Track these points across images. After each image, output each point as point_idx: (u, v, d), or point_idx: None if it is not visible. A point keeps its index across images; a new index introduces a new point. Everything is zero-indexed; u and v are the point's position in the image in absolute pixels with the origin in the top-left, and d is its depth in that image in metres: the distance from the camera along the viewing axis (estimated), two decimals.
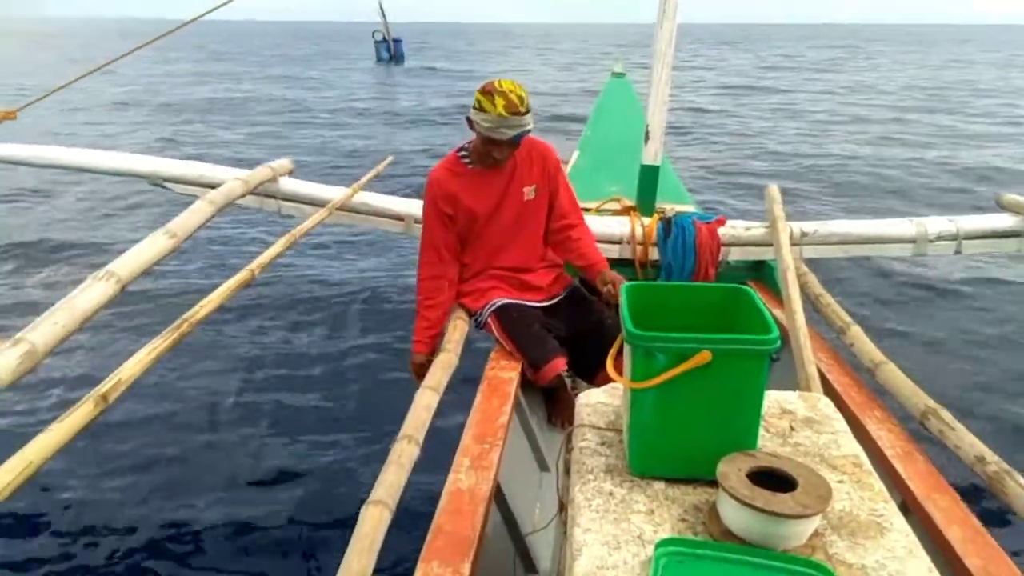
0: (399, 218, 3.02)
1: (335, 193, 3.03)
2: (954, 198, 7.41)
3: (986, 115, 13.72)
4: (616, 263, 2.89)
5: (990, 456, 1.64)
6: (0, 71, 22.30)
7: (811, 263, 2.88)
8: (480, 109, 2.11)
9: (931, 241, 2.92)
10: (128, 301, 4.21)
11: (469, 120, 2.18)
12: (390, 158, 3.74)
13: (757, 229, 2.94)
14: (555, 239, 2.49)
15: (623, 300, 1.30)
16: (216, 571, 2.35)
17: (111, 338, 3.95)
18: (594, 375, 2.39)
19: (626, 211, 3.11)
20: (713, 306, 1.38)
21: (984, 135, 11.39)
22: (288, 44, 51.63)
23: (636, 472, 1.26)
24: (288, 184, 3.06)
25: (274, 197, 3.05)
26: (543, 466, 2.33)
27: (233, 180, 2.69)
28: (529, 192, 2.38)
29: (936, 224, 2.93)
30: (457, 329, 2.33)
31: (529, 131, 2.18)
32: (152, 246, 1.98)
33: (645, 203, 3.09)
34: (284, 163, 3.11)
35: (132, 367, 1.49)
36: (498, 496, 1.78)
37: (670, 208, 3.12)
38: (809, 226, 2.92)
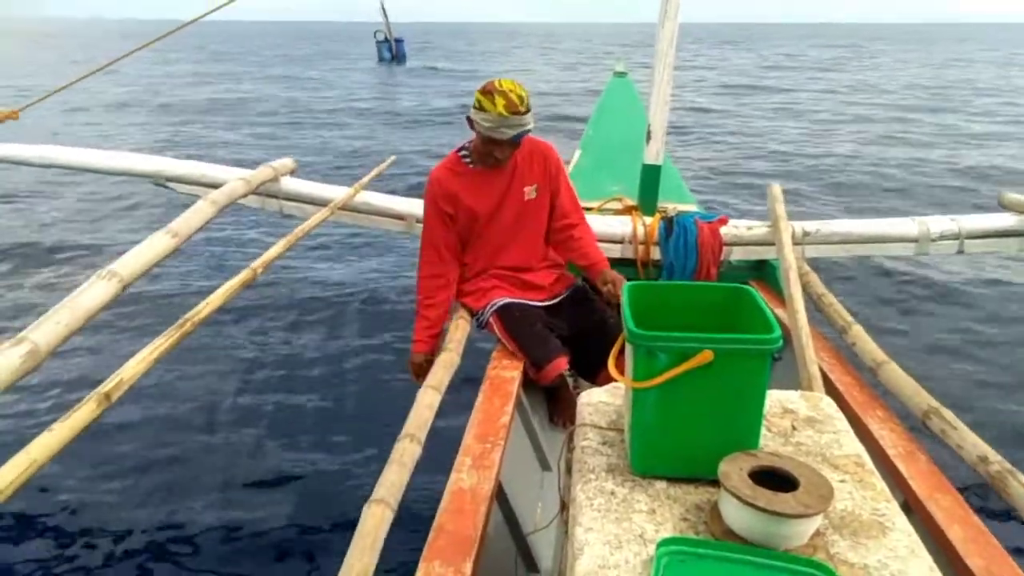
0: (401, 217, 3.02)
1: (337, 193, 3.03)
2: (956, 197, 7.41)
3: (987, 114, 13.70)
4: (618, 262, 2.89)
5: (992, 456, 1.64)
6: (1, 72, 22.32)
7: (813, 263, 2.88)
8: (480, 109, 2.12)
9: (933, 240, 2.91)
10: (130, 302, 4.21)
11: (469, 120, 2.18)
12: (392, 158, 3.75)
13: (759, 228, 2.94)
14: (556, 239, 2.49)
15: (625, 299, 1.30)
16: (216, 572, 2.34)
17: (113, 339, 3.95)
18: (596, 374, 2.39)
19: (628, 210, 3.11)
20: (715, 305, 1.38)
21: (985, 134, 11.38)
22: (289, 44, 51.66)
23: (638, 471, 1.26)
24: (290, 184, 3.07)
25: (276, 197, 3.06)
26: (545, 465, 2.33)
27: (235, 180, 2.70)
28: (530, 192, 2.38)
29: (938, 223, 2.93)
30: (459, 328, 2.33)
31: (529, 131, 2.18)
32: (154, 246, 1.99)
33: (647, 202, 3.09)
34: (286, 163, 3.12)
35: (135, 366, 1.49)
36: (500, 495, 1.78)
37: (672, 207, 3.12)
38: (811, 225, 2.92)
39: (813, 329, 2.27)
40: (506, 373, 2.19)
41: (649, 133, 2.97)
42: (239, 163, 3.49)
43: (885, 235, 2.94)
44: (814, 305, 2.55)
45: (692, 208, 3.22)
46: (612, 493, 1.21)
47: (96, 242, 5.80)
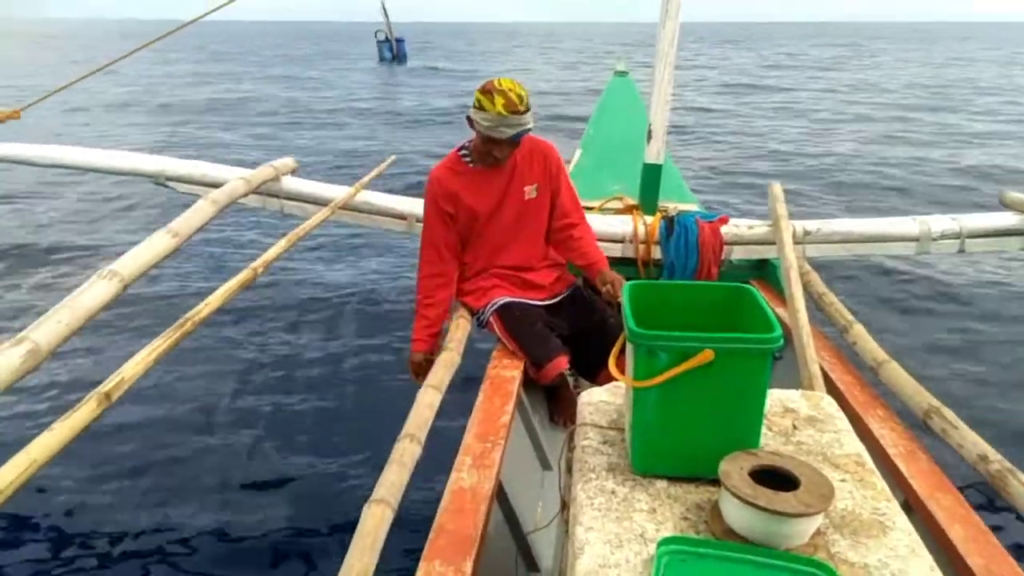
0: (401, 217, 3.02)
1: (337, 192, 3.03)
2: (957, 196, 7.40)
3: (988, 113, 13.69)
4: (619, 262, 2.89)
5: (993, 455, 1.64)
6: (1, 72, 22.33)
7: (814, 262, 2.88)
8: (480, 108, 2.12)
9: (934, 240, 2.91)
10: (130, 302, 4.21)
11: (469, 119, 2.18)
12: (392, 157, 3.75)
13: (760, 228, 2.94)
14: (556, 238, 2.49)
15: (626, 299, 1.30)
16: (216, 572, 2.34)
17: (113, 339, 3.95)
18: (596, 374, 2.39)
19: (628, 210, 3.11)
20: (716, 305, 1.38)
21: (987, 133, 11.37)
22: (289, 44, 51.66)
23: (638, 471, 1.25)
24: (291, 183, 3.07)
25: (276, 196, 3.06)
26: (545, 465, 2.33)
27: (236, 179, 2.70)
28: (530, 191, 2.38)
29: (939, 223, 2.92)
30: (459, 328, 2.33)
31: (529, 130, 2.18)
32: (154, 245, 1.99)
33: (648, 202, 3.09)
34: (287, 162, 3.12)
35: (135, 366, 1.49)
36: (500, 495, 1.78)
37: (673, 207, 3.12)
38: (812, 225, 2.92)
39: (814, 328, 2.27)
40: (506, 372, 2.19)
41: (650, 132, 2.97)
42: (239, 164, 3.49)
43: (886, 234, 2.94)
44: (815, 304, 2.55)
45: (693, 207, 3.22)
46: (613, 492, 1.21)
47: (94, 243, 5.80)
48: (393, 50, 29.77)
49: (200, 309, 1.74)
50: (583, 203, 2.61)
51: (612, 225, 2.95)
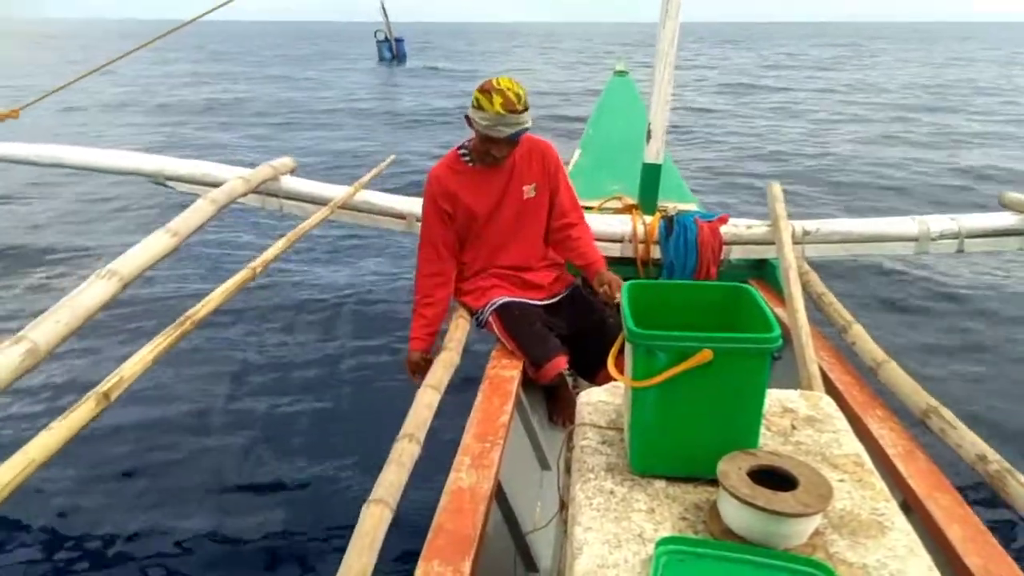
0: (401, 216, 3.02)
1: (337, 191, 3.03)
2: (956, 197, 7.40)
3: (988, 113, 13.69)
4: (618, 261, 2.90)
5: (991, 455, 1.64)
6: (0, 72, 22.33)
7: (813, 262, 2.88)
8: (478, 107, 2.12)
9: (933, 240, 2.91)
10: (129, 303, 4.20)
11: (468, 118, 2.18)
12: (391, 157, 3.74)
13: (759, 227, 2.94)
14: (555, 238, 2.49)
15: (625, 298, 1.30)
16: (215, 573, 2.33)
17: (112, 339, 3.94)
18: (595, 374, 2.39)
19: (628, 209, 3.11)
20: (715, 305, 1.38)
21: (986, 134, 11.38)
22: (288, 44, 51.62)
23: (637, 471, 1.25)
24: (290, 183, 3.07)
25: (276, 196, 3.06)
26: (544, 465, 2.33)
27: (235, 179, 2.70)
28: (529, 191, 2.38)
29: (938, 223, 2.92)
30: (458, 328, 2.33)
31: (527, 129, 2.18)
32: (153, 244, 1.99)
33: (647, 201, 3.09)
34: (286, 161, 3.12)
35: (134, 365, 1.49)
36: (499, 495, 1.78)
37: (672, 206, 3.12)
38: (811, 224, 2.92)
39: (813, 328, 2.27)
40: (505, 372, 2.19)
41: (649, 132, 2.97)
42: (237, 165, 3.48)
43: (885, 234, 2.94)
44: (814, 304, 2.55)
45: (692, 207, 3.22)
46: (611, 492, 1.21)
47: (90, 243, 5.78)
48: (393, 50, 29.76)
49: (199, 308, 1.74)
50: (582, 203, 2.61)
51: (611, 225, 2.95)
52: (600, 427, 1.41)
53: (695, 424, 1.21)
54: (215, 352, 3.81)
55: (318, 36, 75.75)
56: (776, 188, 3.04)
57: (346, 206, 2.94)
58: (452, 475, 1.62)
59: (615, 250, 2.92)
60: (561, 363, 2.27)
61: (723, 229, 2.90)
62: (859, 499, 1.18)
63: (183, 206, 2.31)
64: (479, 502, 1.52)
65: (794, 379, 2.06)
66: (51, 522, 2.55)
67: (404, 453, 1.58)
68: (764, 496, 1.04)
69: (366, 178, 3.12)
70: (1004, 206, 3.07)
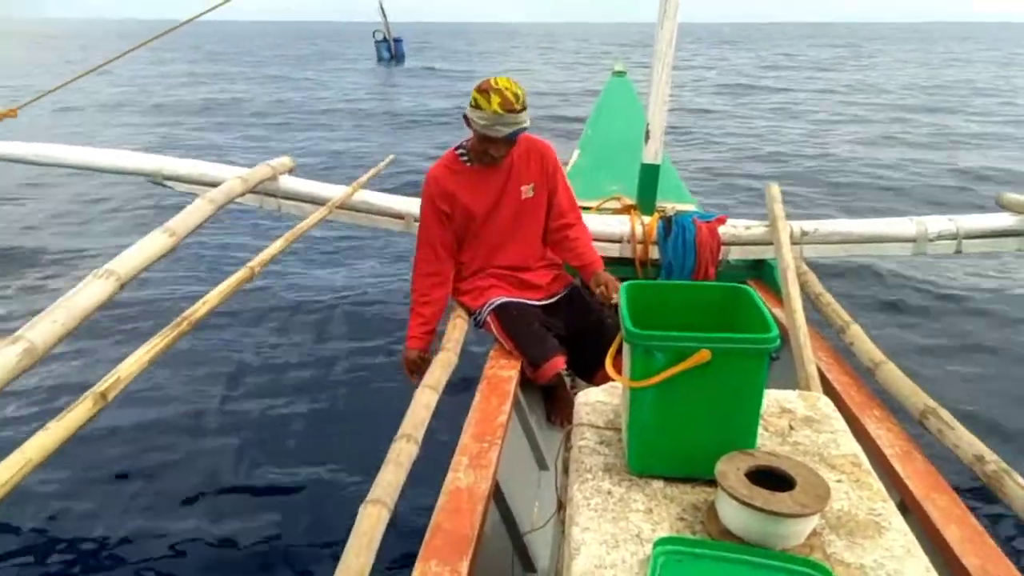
0: (399, 216, 3.02)
1: (335, 191, 3.03)
2: (954, 197, 7.41)
3: (986, 114, 13.71)
4: (616, 261, 2.90)
5: (989, 455, 1.64)
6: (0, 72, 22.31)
7: (811, 262, 2.88)
8: (476, 107, 2.12)
9: (931, 240, 2.91)
10: (126, 303, 4.19)
11: (466, 118, 2.18)
12: (390, 157, 3.74)
13: (757, 228, 2.94)
14: (552, 238, 2.49)
15: (623, 299, 1.30)
16: (213, 574, 2.33)
17: (109, 339, 3.92)
18: (593, 374, 2.39)
19: (626, 210, 3.11)
20: (713, 305, 1.38)
21: (984, 134, 11.38)
22: (287, 44, 51.56)
23: (635, 471, 1.25)
24: (288, 182, 3.06)
25: (274, 195, 3.05)
26: (542, 465, 2.33)
27: (233, 178, 2.69)
28: (527, 190, 2.38)
29: (936, 223, 2.93)
30: (456, 328, 2.33)
31: (525, 128, 2.18)
32: (151, 244, 1.98)
33: (645, 202, 3.09)
34: (284, 161, 3.11)
35: (130, 366, 1.49)
36: (497, 495, 1.78)
37: (671, 207, 3.12)
38: (809, 225, 2.92)
39: (811, 329, 2.27)
40: (503, 372, 2.18)
41: (648, 132, 2.97)
42: (234, 164, 3.48)
43: (883, 235, 2.94)
44: (812, 305, 2.55)
45: (691, 207, 3.23)
46: (609, 492, 1.21)
47: (86, 243, 5.76)
48: (391, 50, 29.75)
49: (197, 308, 1.74)
50: (581, 203, 2.61)
51: (610, 225, 2.95)
52: (598, 427, 1.41)
53: (693, 424, 1.21)
54: (212, 353, 3.80)
55: (317, 36, 75.70)
56: (774, 189, 3.04)
57: (344, 206, 2.94)
58: (450, 475, 1.62)
59: (613, 250, 2.92)
60: (559, 363, 2.27)
61: (721, 229, 2.90)
62: (857, 499, 1.19)
63: (180, 206, 2.31)
64: (477, 502, 1.52)
65: (792, 379, 2.06)
66: (47, 522, 2.54)
67: (402, 453, 1.58)
68: (762, 496, 1.04)
69: (364, 178, 3.12)
70: (1002, 207, 3.07)
